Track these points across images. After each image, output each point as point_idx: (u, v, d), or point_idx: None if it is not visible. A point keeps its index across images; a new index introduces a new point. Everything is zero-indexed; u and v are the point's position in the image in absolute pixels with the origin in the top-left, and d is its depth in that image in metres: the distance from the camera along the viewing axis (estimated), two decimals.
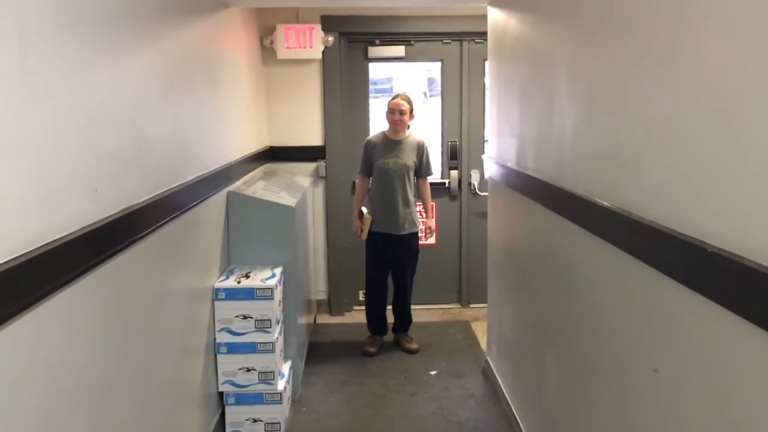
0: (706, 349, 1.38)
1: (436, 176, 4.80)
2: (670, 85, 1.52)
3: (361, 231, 4.22)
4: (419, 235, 4.28)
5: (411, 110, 4.15)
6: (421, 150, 4.19)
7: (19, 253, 1.36)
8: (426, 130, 4.83)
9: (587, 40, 2.11)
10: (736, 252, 1.24)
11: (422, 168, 4.22)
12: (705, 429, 1.39)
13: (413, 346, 4.32)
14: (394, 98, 4.17)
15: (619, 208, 1.80)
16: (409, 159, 4.15)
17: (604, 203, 1.91)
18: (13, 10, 1.37)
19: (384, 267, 4.29)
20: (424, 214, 4.37)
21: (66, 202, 1.59)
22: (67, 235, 1.56)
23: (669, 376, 1.56)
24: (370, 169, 4.21)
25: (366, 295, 4.41)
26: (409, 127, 4.20)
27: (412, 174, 4.17)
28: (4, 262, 1.30)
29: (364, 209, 4.25)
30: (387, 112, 4.16)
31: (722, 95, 1.30)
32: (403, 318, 4.41)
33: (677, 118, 1.49)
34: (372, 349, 4.26)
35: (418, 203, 4.30)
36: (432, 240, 4.74)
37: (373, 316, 4.37)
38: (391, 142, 4.17)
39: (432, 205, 4.44)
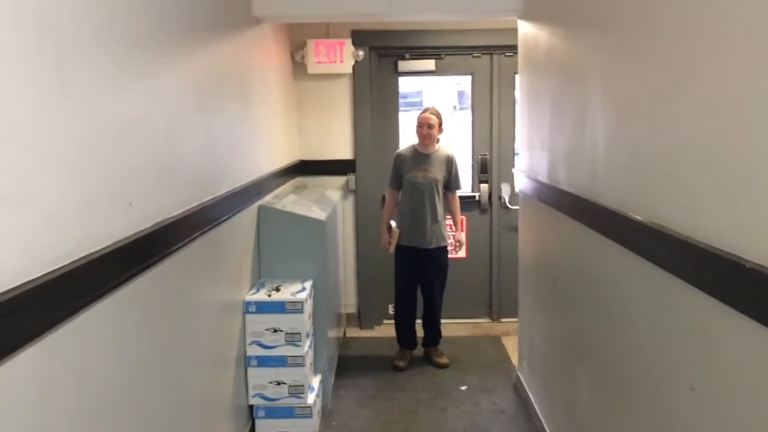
0: (745, 367, 1.34)
1: (466, 190, 4.78)
2: (708, 97, 1.49)
3: (389, 244, 4.22)
4: (448, 249, 4.27)
5: (440, 124, 4.14)
6: (450, 164, 4.18)
7: (56, 267, 1.38)
8: (456, 143, 4.82)
9: (621, 52, 2.08)
10: None
11: (451, 181, 4.21)
12: None
13: (443, 360, 4.28)
14: (423, 112, 4.18)
15: (654, 222, 1.76)
16: (438, 173, 4.14)
17: (639, 218, 1.88)
18: (50, 28, 1.40)
19: (412, 281, 4.27)
20: (453, 228, 4.35)
21: (100, 215, 1.61)
22: (101, 249, 1.58)
23: (706, 394, 1.52)
24: (399, 182, 4.21)
25: (395, 308, 4.40)
26: (438, 140, 4.20)
27: (441, 188, 4.16)
28: (42, 275, 1.32)
29: (393, 223, 4.24)
30: (416, 126, 4.17)
31: (764, 106, 1.27)
32: (433, 332, 4.38)
33: (715, 130, 1.46)
34: (402, 363, 4.24)
35: (447, 217, 4.28)
36: (462, 253, 4.71)
37: (403, 330, 4.35)
38: (420, 156, 4.17)
39: (462, 219, 4.42)
